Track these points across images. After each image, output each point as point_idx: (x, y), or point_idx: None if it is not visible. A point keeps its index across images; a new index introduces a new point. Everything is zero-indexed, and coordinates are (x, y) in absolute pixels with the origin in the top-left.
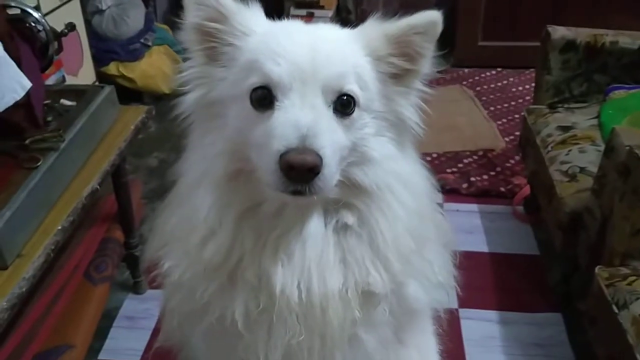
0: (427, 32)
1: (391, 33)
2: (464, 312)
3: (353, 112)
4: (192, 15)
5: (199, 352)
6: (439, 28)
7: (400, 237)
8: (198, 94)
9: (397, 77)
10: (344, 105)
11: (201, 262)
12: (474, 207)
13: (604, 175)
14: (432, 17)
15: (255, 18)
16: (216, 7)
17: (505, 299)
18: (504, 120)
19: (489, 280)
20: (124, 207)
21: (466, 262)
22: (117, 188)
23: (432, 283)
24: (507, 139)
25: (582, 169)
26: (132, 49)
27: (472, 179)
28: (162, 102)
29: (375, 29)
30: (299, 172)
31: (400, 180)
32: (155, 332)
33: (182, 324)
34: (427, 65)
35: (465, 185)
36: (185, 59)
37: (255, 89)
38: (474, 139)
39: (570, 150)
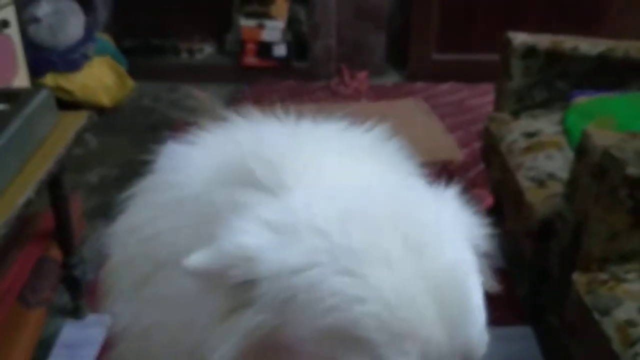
0: None
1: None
2: None
3: None
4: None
5: None
6: None
7: None
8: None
9: None
10: None
11: None
12: None
13: (576, 179)
14: None
15: None
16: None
17: None
18: (460, 132)
19: None
20: (62, 222)
21: None
22: (56, 202)
23: None
24: (464, 150)
25: (550, 175)
26: (71, 60)
27: None
28: (103, 116)
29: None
30: None
31: None
32: None
33: None
34: None
35: None
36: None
37: None
38: (431, 150)
39: (536, 157)
